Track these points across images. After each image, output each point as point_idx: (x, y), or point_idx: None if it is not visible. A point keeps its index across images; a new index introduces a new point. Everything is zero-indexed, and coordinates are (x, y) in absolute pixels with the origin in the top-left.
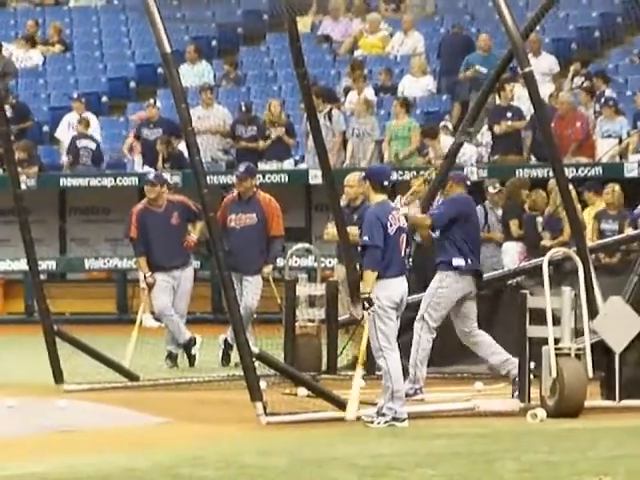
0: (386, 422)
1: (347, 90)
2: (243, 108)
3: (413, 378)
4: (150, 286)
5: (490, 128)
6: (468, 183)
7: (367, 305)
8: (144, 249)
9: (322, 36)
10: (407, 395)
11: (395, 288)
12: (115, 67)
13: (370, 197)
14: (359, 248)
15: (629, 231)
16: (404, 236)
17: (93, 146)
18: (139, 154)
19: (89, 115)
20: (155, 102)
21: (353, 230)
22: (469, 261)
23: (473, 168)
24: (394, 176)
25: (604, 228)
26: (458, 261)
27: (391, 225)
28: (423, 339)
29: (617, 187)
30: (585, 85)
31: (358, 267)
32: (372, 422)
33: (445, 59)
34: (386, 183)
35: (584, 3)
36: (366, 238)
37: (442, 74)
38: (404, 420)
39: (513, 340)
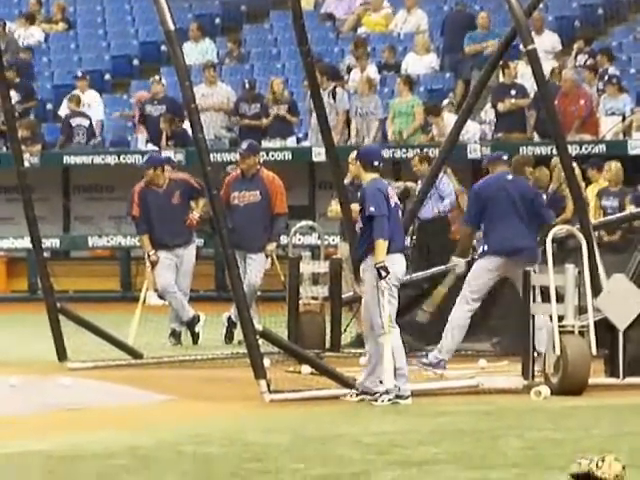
0: (389, 400)
1: (350, 68)
2: (247, 86)
3: (440, 347)
4: (153, 264)
5: (494, 106)
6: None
7: (384, 274)
8: (146, 227)
9: (325, 14)
10: (430, 364)
11: (398, 264)
12: (118, 45)
13: (361, 176)
14: (359, 225)
15: (631, 208)
16: (400, 212)
17: (86, 123)
18: (143, 132)
19: (83, 92)
20: (160, 78)
21: (356, 207)
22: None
23: (476, 145)
24: (398, 154)
25: (605, 205)
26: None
27: (391, 198)
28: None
29: (617, 164)
30: (588, 63)
31: (356, 246)
32: (376, 400)
33: (448, 37)
34: (376, 163)
35: None
36: (372, 209)
37: (445, 52)
38: (407, 397)
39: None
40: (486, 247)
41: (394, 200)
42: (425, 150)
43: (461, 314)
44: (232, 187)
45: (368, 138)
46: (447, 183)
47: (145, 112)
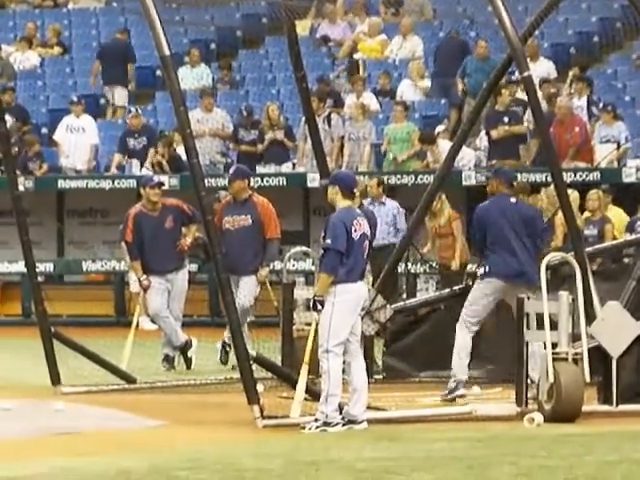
0: (317, 427)
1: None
2: (244, 112)
3: (453, 374)
4: (145, 289)
5: (487, 133)
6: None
7: (319, 307)
8: (139, 253)
9: (321, 39)
10: (450, 391)
11: (355, 293)
12: None
13: (336, 203)
14: (320, 251)
15: (626, 236)
16: (367, 243)
17: None
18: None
19: (78, 117)
20: (137, 111)
21: None
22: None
23: (471, 172)
24: (392, 180)
25: (585, 234)
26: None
27: (355, 231)
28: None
29: (598, 193)
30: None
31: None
32: (304, 427)
33: (440, 63)
34: (355, 190)
35: (583, 8)
36: (329, 241)
37: (435, 77)
38: (336, 425)
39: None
40: (486, 269)
41: (360, 231)
42: (383, 177)
43: (463, 339)
44: (225, 212)
45: (362, 164)
46: (403, 218)
47: (129, 147)
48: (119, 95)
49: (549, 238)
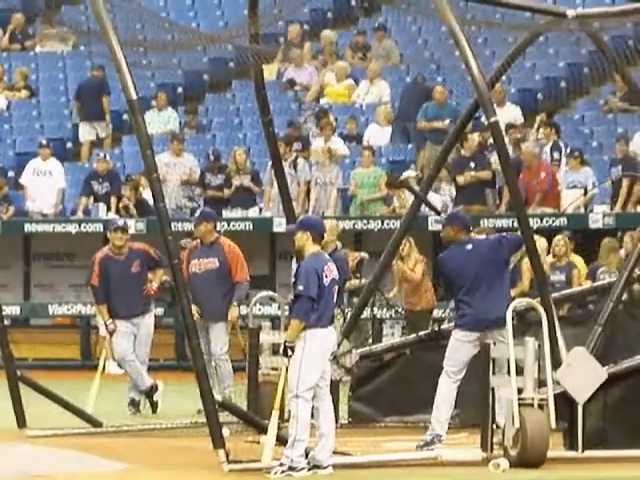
0: (283, 472)
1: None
2: (211, 157)
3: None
4: (111, 333)
5: (453, 179)
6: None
7: (290, 353)
8: (104, 297)
9: (288, 83)
10: (426, 443)
11: (325, 338)
12: None
13: (306, 248)
14: (291, 297)
15: (588, 283)
16: (336, 288)
17: None
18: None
19: (45, 160)
20: (105, 156)
21: None
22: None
23: (438, 217)
24: (359, 225)
25: (552, 280)
26: None
27: (326, 276)
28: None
29: (564, 238)
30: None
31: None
32: (269, 472)
33: (403, 107)
34: (325, 235)
35: (551, 53)
36: (301, 287)
37: (398, 121)
38: (301, 470)
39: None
40: (459, 322)
41: (330, 277)
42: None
43: (447, 388)
44: (192, 255)
45: (328, 208)
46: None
47: (93, 190)
48: (101, 128)
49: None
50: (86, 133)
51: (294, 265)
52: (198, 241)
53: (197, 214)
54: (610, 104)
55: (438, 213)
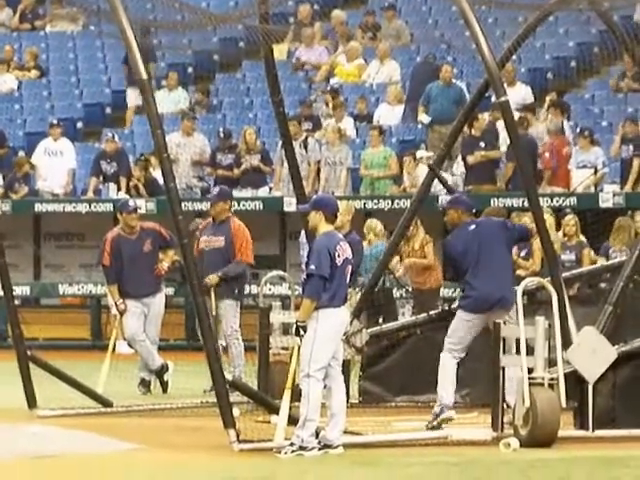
0: (293, 452)
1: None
2: (222, 135)
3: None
4: (122, 312)
5: (463, 158)
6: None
7: (301, 332)
8: (116, 277)
9: (298, 63)
10: (436, 415)
11: (338, 318)
12: (91, 93)
13: (319, 228)
14: (303, 276)
15: (602, 261)
16: (349, 267)
17: None
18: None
19: (56, 140)
20: (113, 136)
21: None
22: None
23: (448, 197)
24: (369, 205)
25: (562, 259)
26: None
27: (339, 256)
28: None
29: (576, 218)
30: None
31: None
32: (280, 452)
33: (414, 87)
34: (337, 214)
35: (561, 33)
36: (313, 267)
37: (409, 102)
38: (312, 449)
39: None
40: (462, 302)
41: (343, 257)
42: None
43: (448, 365)
44: (203, 232)
45: (338, 188)
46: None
47: (102, 170)
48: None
49: (527, 230)
50: (133, 98)
51: (302, 240)
52: (210, 219)
53: (215, 192)
54: (617, 83)
55: (452, 193)
